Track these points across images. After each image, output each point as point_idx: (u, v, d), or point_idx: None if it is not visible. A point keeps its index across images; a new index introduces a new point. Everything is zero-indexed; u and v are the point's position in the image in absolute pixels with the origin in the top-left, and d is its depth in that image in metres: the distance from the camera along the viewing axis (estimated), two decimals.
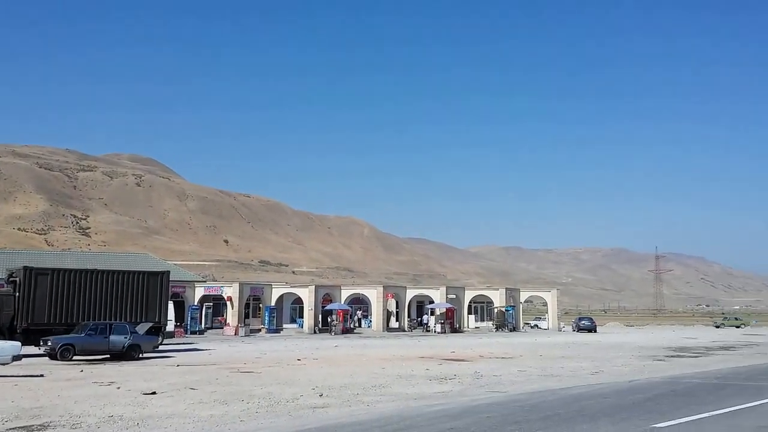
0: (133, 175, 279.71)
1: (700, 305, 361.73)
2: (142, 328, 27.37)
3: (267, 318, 53.91)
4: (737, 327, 78.86)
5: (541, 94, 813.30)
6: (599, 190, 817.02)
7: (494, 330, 60.91)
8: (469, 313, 64.67)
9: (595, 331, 62.81)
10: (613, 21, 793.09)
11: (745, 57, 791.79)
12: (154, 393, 15.01)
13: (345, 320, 53.23)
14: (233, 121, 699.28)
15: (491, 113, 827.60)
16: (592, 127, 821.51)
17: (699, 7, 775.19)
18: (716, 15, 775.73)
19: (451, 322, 56.90)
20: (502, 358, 26.89)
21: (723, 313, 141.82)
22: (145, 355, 26.04)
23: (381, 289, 59.59)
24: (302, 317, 57.17)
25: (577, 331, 62.30)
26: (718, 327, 78.68)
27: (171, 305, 34.43)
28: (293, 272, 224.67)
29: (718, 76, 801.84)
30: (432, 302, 59.81)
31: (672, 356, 28.74)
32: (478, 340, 42.76)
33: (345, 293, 60.00)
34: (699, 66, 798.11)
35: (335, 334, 50.10)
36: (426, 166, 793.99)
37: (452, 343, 38.96)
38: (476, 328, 63.48)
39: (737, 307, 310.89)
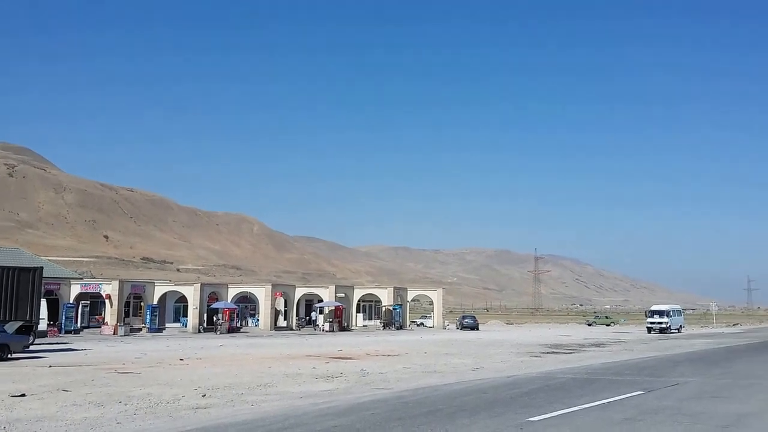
0: (5, 164, 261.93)
1: (574, 304, 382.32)
2: (11, 326, 25.75)
3: (148, 317, 52.11)
4: (607, 325, 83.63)
5: (432, 99, 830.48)
6: (485, 193, 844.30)
7: (382, 328, 61.72)
8: (358, 311, 65.18)
9: (478, 329, 65.01)
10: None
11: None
12: (23, 395, 14.17)
13: (231, 319, 52.31)
14: (116, 111, 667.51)
15: (381, 115, 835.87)
16: (477, 131, 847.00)
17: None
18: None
19: (339, 321, 57.14)
20: (389, 355, 27.29)
21: (595, 312, 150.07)
22: (14, 355, 24.54)
23: (269, 287, 58.99)
24: (186, 316, 55.64)
25: (461, 329, 64.33)
26: (590, 325, 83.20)
27: (44, 303, 32.68)
28: (178, 270, 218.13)
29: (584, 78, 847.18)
30: (321, 301, 59.79)
31: (547, 353, 30.15)
32: (365, 338, 43.18)
33: (232, 292, 58.96)
34: (563, 70, 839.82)
35: (221, 333, 49.20)
36: (317, 165, 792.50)
37: (340, 341, 39.16)
38: (364, 326, 64.06)
39: (607, 307, 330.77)
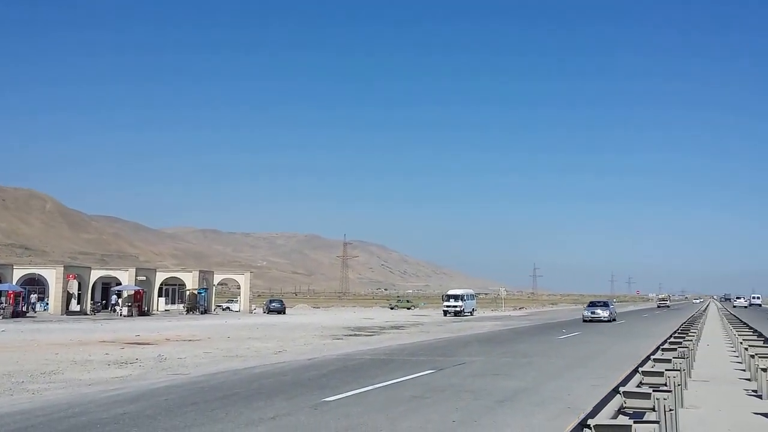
0: None
1: (379, 289, 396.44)
2: None
3: None
4: (408, 309, 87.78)
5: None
6: (297, 177, 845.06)
7: (185, 313, 59.97)
8: (160, 295, 62.76)
9: (285, 313, 65.39)
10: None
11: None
12: None
13: (17, 303, 48.15)
14: None
15: (190, 89, 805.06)
16: (288, 116, 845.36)
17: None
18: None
19: (139, 305, 54.77)
20: (189, 340, 26.66)
21: (397, 296, 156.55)
22: None
23: (61, 269, 55.08)
24: None
25: (268, 313, 64.31)
26: (392, 309, 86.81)
27: None
28: None
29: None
30: (120, 284, 56.95)
31: (350, 335, 31.11)
32: (166, 323, 41.80)
33: (18, 273, 54.43)
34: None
35: (4, 318, 45.23)
36: (119, 140, 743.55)
37: (138, 326, 37.52)
38: (167, 310, 61.88)
39: (410, 291, 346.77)
